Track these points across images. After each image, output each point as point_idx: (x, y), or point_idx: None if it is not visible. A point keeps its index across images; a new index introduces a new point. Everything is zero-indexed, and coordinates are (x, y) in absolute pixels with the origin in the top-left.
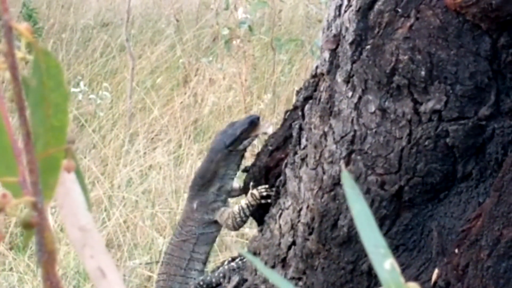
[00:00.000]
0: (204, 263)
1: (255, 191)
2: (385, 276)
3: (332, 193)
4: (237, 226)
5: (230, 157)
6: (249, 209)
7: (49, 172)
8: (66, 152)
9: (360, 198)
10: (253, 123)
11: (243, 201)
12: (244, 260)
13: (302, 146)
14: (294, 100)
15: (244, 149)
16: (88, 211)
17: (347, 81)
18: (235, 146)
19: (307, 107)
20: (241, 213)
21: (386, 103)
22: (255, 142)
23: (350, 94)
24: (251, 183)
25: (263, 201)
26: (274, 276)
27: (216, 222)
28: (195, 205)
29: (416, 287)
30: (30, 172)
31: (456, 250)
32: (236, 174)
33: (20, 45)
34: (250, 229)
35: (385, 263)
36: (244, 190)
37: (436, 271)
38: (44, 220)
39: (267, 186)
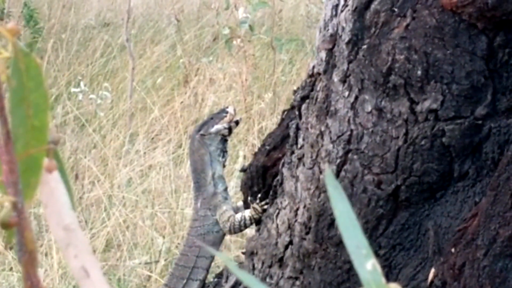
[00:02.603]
0: (207, 270)
1: (256, 205)
2: (367, 276)
3: None
4: (232, 232)
5: (206, 141)
6: (250, 221)
7: (30, 172)
8: (47, 152)
9: (343, 197)
10: (224, 111)
11: (247, 211)
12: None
13: (299, 146)
14: None
15: (219, 134)
16: (72, 210)
17: (343, 80)
18: (206, 130)
19: (304, 106)
20: (242, 223)
21: (383, 102)
22: (255, 141)
23: (346, 93)
24: (250, 198)
25: (265, 214)
26: (251, 280)
27: None
28: (199, 204)
29: None
30: (10, 172)
31: (453, 249)
32: (223, 159)
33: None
34: (249, 228)
35: (366, 264)
36: (241, 189)
37: (432, 270)
38: (24, 220)
39: (267, 200)
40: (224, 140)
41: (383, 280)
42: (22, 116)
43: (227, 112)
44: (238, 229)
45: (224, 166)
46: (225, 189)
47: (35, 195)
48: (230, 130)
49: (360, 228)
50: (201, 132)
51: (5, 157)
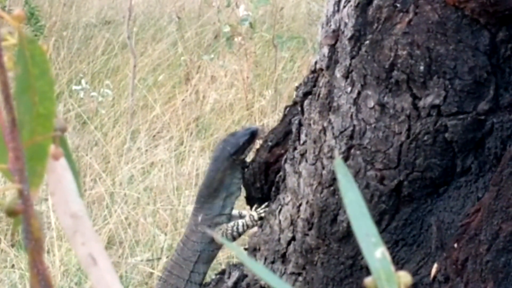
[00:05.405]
0: (200, 285)
1: (254, 213)
2: (376, 264)
3: (332, 188)
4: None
5: (234, 166)
6: (243, 228)
7: (37, 159)
8: (54, 140)
9: (353, 186)
10: (253, 134)
11: (240, 220)
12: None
13: (301, 142)
14: None
15: (244, 159)
16: (79, 198)
17: (346, 76)
18: (238, 155)
19: (306, 102)
20: (234, 229)
21: (385, 98)
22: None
23: (349, 89)
24: (255, 205)
25: (260, 222)
26: (267, 274)
27: None
28: (199, 218)
29: (406, 276)
30: (16, 159)
31: (455, 245)
32: (240, 185)
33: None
34: None
35: (376, 252)
36: (244, 186)
37: (435, 265)
38: (30, 207)
39: (267, 208)
40: (244, 162)
41: (393, 268)
42: (27, 103)
43: (254, 136)
44: (230, 235)
45: (241, 188)
46: (230, 213)
47: (42, 183)
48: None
49: (369, 217)
50: (234, 157)
51: (11, 144)
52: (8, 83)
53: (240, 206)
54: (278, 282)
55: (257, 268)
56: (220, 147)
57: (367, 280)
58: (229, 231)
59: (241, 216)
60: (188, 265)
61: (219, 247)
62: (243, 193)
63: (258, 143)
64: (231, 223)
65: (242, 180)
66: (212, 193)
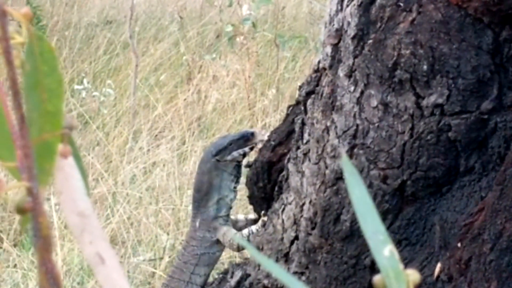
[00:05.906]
0: (202, 287)
1: (266, 219)
2: (384, 262)
3: (335, 187)
4: (241, 248)
5: (220, 167)
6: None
7: (45, 157)
8: (62, 137)
9: (360, 183)
10: (244, 137)
11: (254, 226)
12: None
13: (304, 141)
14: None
15: (235, 160)
16: (87, 196)
17: (349, 75)
18: (222, 156)
19: (309, 101)
20: (250, 238)
21: (388, 97)
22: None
23: (352, 88)
24: (262, 211)
25: (270, 209)
26: (277, 270)
27: (218, 241)
28: (197, 224)
29: (414, 274)
30: (25, 157)
31: (459, 244)
32: (234, 187)
33: (21, 29)
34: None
35: (384, 250)
36: (247, 185)
37: (438, 265)
38: (39, 205)
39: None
40: (238, 165)
41: (401, 266)
42: (36, 100)
43: (247, 138)
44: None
45: (236, 191)
46: (228, 215)
47: (50, 181)
48: (244, 155)
49: (377, 214)
50: (217, 157)
51: (20, 142)
52: (17, 80)
53: (242, 206)
54: (293, 282)
55: (276, 269)
56: (206, 150)
57: (376, 278)
58: (245, 237)
59: (247, 220)
60: (188, 267)
61: (220, 249)
62: (246, 192)
63: (259, 144)
64: (245, 231)
65: (236, 181)
66: (203, 196)
